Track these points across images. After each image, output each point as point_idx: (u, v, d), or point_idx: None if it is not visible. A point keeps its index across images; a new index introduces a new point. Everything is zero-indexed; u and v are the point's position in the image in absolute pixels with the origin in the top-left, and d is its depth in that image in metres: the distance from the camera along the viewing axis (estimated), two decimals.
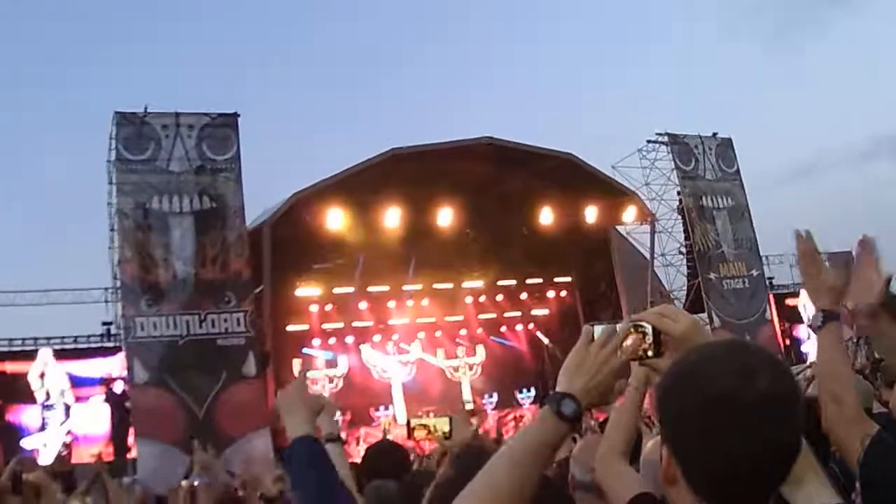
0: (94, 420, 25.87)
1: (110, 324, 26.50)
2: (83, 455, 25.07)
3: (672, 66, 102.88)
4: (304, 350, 31.30)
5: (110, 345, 26.48)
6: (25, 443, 25.01)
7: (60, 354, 26.25)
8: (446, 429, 5.27)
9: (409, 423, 5.55)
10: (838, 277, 3.48)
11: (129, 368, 23.40)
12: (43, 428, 25.40)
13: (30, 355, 26.03)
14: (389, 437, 22.82)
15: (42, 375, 25.54)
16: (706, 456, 2.05)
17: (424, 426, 5.50)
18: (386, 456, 5.89)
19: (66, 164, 70.77)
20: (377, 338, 33.83)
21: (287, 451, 3.62)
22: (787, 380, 2.12)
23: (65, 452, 25.32)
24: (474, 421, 5.34)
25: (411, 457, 7.80)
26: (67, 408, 25.69)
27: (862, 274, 3.53)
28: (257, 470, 10.87)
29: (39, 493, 7.98)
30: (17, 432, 25.17)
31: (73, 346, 26.89)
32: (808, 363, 18.16)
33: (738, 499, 2.07)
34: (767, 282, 34.42)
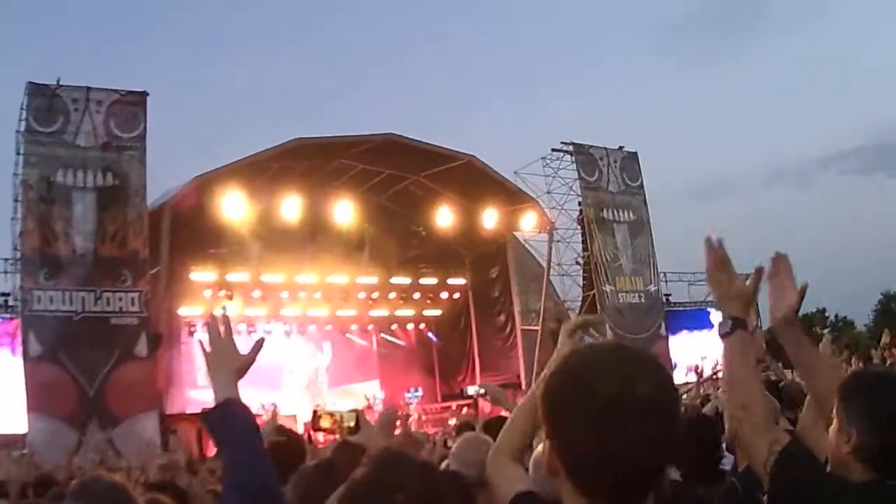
0: None
1: (8, 295, 26.16)
2: None
3: (585, 76, 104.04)
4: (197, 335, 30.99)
5: None
6: None
7: None
8: (352, 423, 5.22)
9: (315, 412, 5.47)
10: (748, 286, 3.51)
11: (24, 341, 23.11)
12: None
13: None
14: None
15: None
16: (585, 455, 2.10)
17: (332, 416, 5.44)
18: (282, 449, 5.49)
19: None
20: (268, 327, 33.65)
21: (211, 413, 3.14)
22: (667, 385, 2.18)
23: None
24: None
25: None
26: None
27: (777, 284, 3.60)
28: (145, 453, 10.77)
29: None
30: None
31: None
32: (694, 382, 18.32)
33: (618, 495, 2.12)
34: (664, 298, 34.82)
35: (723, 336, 3.45)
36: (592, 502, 2.13)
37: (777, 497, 3.20)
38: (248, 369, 3.33)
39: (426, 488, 2.80)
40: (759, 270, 3.55)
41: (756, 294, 3.53)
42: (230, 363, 3.30)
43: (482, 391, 30.14)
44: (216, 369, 3.28)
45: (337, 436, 5.43)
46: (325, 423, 5.36)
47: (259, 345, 3.40)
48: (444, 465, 5.11)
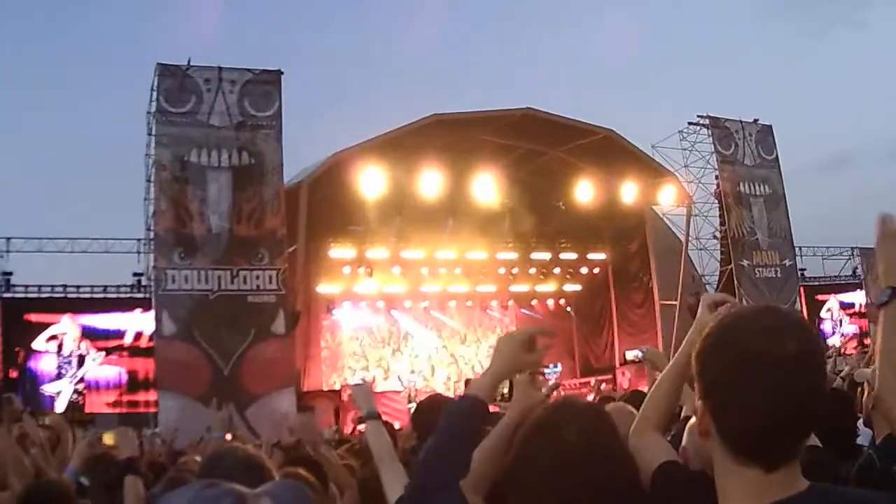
0: (108, 371, 26.15)
1: (141, 275, 26.60)
2: (96, 404, 25.40)
3: (710, 47, 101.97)
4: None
5: (131, 296, 26.84)
6: (46, 388, 25.34)
7: (79, 307, 26.68)
8: (505, 390, 5.18)
9: (467, 380, 5.37)
10: None
11: (158, 320, 23.49)
12: (59, 377, 25.72)
13: (51, 305, 26.53)
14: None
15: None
16: (737, 411, 2.15)
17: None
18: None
19: (106, 114, 70.88)
20: (408, 303, 33.85)
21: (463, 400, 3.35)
22: (813, 342, 2.24)
23: (79, 400, 25.63)
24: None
25: None
26: (81, 358, 25.99)
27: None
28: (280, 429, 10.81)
29: (59, 436, 8.05)
30: (37, 379, 25.47)
31: (89, 296, 27.31)
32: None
33: (765, 453, 2.14)
34: (799, 273, 34.28)
35: (880, 305, 3.39)
36: (742, 461, 2.16)
37: None
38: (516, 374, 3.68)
39: (595, 425, 2.98)
40: None
41: None
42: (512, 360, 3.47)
43: (641, 355, 29.85)
44: (496, 361, 3.45)
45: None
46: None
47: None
48: None
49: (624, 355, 33.88)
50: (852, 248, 38.31)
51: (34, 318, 26.15)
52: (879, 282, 3.45)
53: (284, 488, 2.35)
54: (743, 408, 2.13)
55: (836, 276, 37.51)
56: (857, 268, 38.14)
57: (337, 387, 30.28)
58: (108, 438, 8.65)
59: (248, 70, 25.43)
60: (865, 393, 5.74)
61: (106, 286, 27.20)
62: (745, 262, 31.31)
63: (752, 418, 2.12)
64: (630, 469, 3.01)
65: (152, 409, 23.78)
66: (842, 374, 10.38)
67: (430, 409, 5.22)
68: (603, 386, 31.22)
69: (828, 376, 2.24)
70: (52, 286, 27.04)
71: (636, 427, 3.61)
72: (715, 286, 30.46)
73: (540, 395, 4.72)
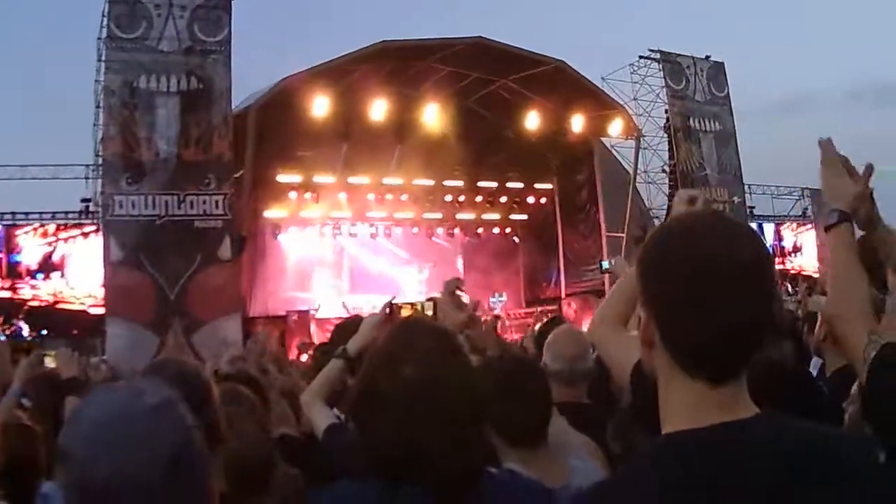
0: None
1: (89, 200, 26.51)
2: None
3: None
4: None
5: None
6: None
7: None
8: (430, 312, 5.18)
9: (390, 304, 5.32)
10: (858, 183, 3.48)
11: (106, 247, 23.32)
12: None
13: None
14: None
15: None
16: (686, 318, 2.06)
17: (412, 306, 5.40)
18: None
19: (56, 41, 70.30)
20: (354, 229, 33.86)
21: None
22: (766, 249, 2.19)
23: None
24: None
25: None
26: None
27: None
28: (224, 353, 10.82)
29: None
30: None
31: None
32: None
33: (714, 364, 2.07)
34: (748, 211, 34.58)
35: (827, 228, 3.45)
36: (689, 373, 2.08)
37: (876, 389, 3.11)
38: None
39: (435, 354, 2.84)
40: (869, 166, 3.53)
41: (865, 191, 3.52)
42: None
43: (612, 265, 29.91)
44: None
45: None
46: (405, 313, 5.33)
47: None
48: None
49: (600, 265, 33.85)
50: (802, 189, 38.76)
51: None
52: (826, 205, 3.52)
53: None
54: (693, 315, 2.04)
55: (785, 216, 37.94)
56: (807, 208, 38.59)
57: (282, 312, 30.24)
58: (51, 360, 8.65)
59: None
60: (818, 323, 5.74)
61: (54, 213, 27.19)
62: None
63: (702, 326, 2.03)
64: (477, 399, 2.87)
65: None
66: (798, 294, 10.51)
67: (348, 328, 5.26)
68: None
69: (777, 283, 2.21)
70: (2, 214, 27.04)
71: (597, 329, 3.65)
72: (662, 219, 30.60)
73: (462, 316, 4.75)
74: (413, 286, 34.01)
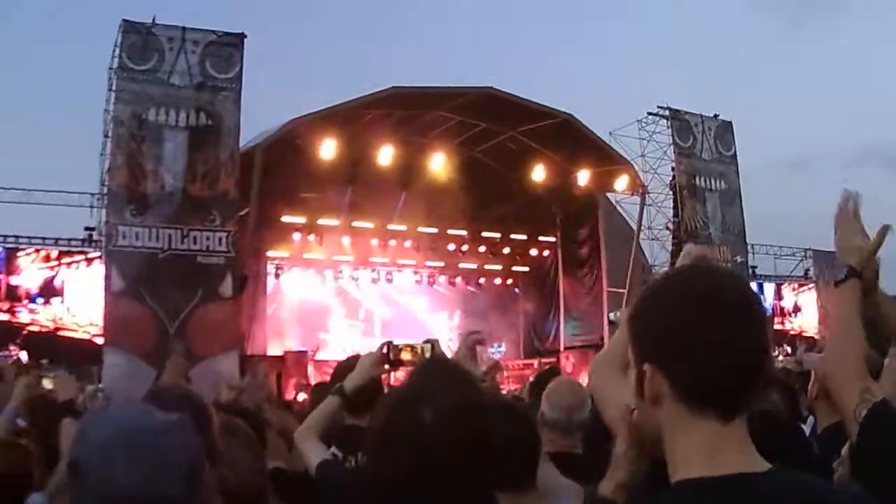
0: None
1: (93, 229, 26.55)
2: None
3: (674, 40, 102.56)
4: None
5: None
6: None
7: None
8: (428, 354, 5.17)
9: (388, 344, 5.33)
10: (871, 241, 3.55)
11: (107, 276, 23.26)
12: None
13: None
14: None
15: None
16: (695, 357, 2.09)
17: (411, 347, 5.37)
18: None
19: (66, 70, 70.55)
20: (356, 274, 33.92)
21: None
22: (753, 292, 2.27)
23: None
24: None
25: None
26: None
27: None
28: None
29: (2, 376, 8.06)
30: None
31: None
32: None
33: (723, 397, 2.10)
34: (750, 271, 34.56)
35: (837, 283, 3.52)
36: (697, 412, 2.10)
37: (866, 449, 3.20)
38: None
39: (456, 399, 2.84)
40: (885, 228, 3.58)
41: (877, 250, 3.57)
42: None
43: (617, 317, 29.85)
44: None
45: None
46: (405, 355, 5.31)
47: None
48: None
49: (608, 318, 33.81)
50: (805, 250, 38.76)
51: None
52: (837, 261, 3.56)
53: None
54: (700, 350, 2.08)
55: (787, 276, 37.93)
56: (808, 269, 38.58)
57: (279, 352, 30.21)
58: (48, 382, 8.69)
59: (212, 31, 25.12)
60: (811, 380, 5.77)
61: (57, 239, 27.25)
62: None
63: (711, 359, 2.07)
64: (489, 449, 2.87)
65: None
66: (797, 354, 10.56)
67: (348, 368, 5.34)
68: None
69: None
70: (5, 237, 27.06)
71: (599, 370, 3.63)
72: None
73: (479, 373, 4.76)
74: (444, 333, 34.06)
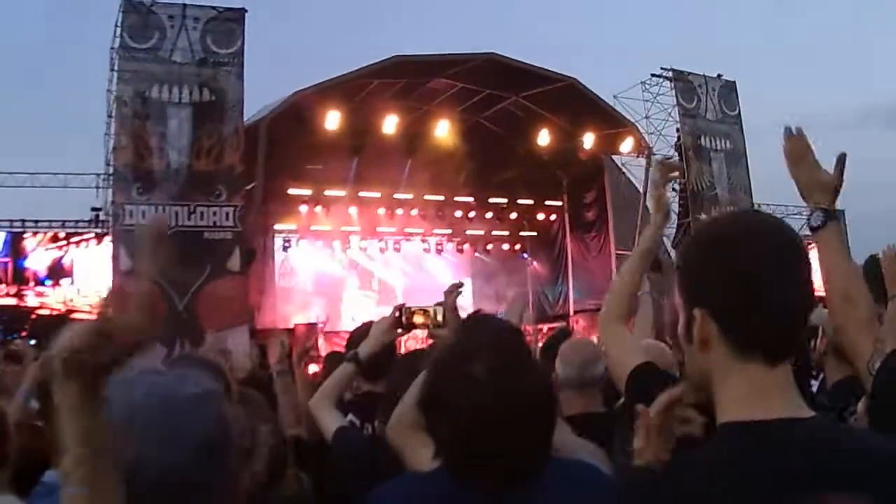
0: None
1: (99, 210, 26.50)
2: None
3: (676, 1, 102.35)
4: None
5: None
6: None
7: None
8: (440, 318, 5.16)
9: (401, 308, 5.31)
10: (833, 175, 3.42)
11: (115, 256, 23.28)
12: None
13: None
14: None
15: None
16: (748, 304, 2.12)
17: (424, 311, 5.33)
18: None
19: (69, 50, 70.51)
20: (364, 243, 33.89)
21: None
22: (797, 234, 2.27)
23: None
24: None
25: None
26: None
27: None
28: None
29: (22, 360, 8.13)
30: None
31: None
32: None
33: (773, 344, 2.14)
34: None
35: (815, 229, 3.41)
36: (747, 356, 2.12)
37: (883, 402, 3.17)
38: None
39: (506, 355, 2.83)
40: (843, 156, 3.44)
41: (841, 183, 3.42)
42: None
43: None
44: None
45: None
46: (418, 318, 5.28)
47: None
48: None
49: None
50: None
51: None
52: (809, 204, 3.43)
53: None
54: (753, 298, 2.11)
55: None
56: None
57: (290, 325, 30.18)
58: None
59: (213, 7, 25.14)
60: (819, 336, 5.74)
61: (64, 221, 27.20)
62: (704, 216, 31.14)
63: (762, 307, 2.10)
64: (546, 397, 2.86)
65: None
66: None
67: (362, 335, 5.40)
68: None
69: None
70: (11, 221, 27.02)
71: (604, 325, 3.64)
72: (672, 238, 30.47)
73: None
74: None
